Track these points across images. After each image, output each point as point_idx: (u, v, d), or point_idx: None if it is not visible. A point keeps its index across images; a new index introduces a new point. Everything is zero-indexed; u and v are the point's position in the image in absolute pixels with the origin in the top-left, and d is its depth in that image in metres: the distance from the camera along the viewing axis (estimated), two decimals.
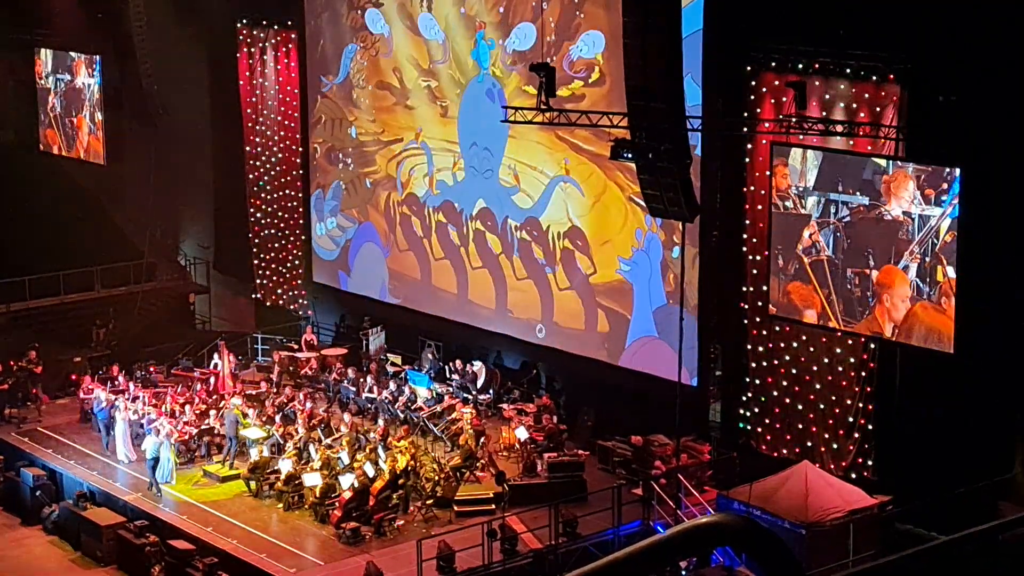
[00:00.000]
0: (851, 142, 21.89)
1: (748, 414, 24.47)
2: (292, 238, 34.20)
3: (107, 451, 26.88)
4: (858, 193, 21.29)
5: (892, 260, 21.04)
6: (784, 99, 22.38)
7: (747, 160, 23.96)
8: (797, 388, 23.66)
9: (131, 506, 24.76)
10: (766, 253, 23.06)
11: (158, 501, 24.75)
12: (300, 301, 34.12)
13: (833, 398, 23.12)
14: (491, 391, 28.32)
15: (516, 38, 28.13)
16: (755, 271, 23.94)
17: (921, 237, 20.56)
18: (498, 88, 28.54)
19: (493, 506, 23.43)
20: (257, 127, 34.13)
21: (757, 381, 24.27)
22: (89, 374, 30.07)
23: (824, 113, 22.22)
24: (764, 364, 24.10)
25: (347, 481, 23.62)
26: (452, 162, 30.01)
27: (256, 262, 34.60)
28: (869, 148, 21.78)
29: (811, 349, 23.39)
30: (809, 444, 23.52)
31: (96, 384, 28.71)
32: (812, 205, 21.91)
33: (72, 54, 36.14)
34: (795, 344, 23.59)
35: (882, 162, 21.09)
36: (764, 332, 23.99)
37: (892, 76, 21.67)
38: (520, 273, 28.89)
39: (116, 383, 28.87)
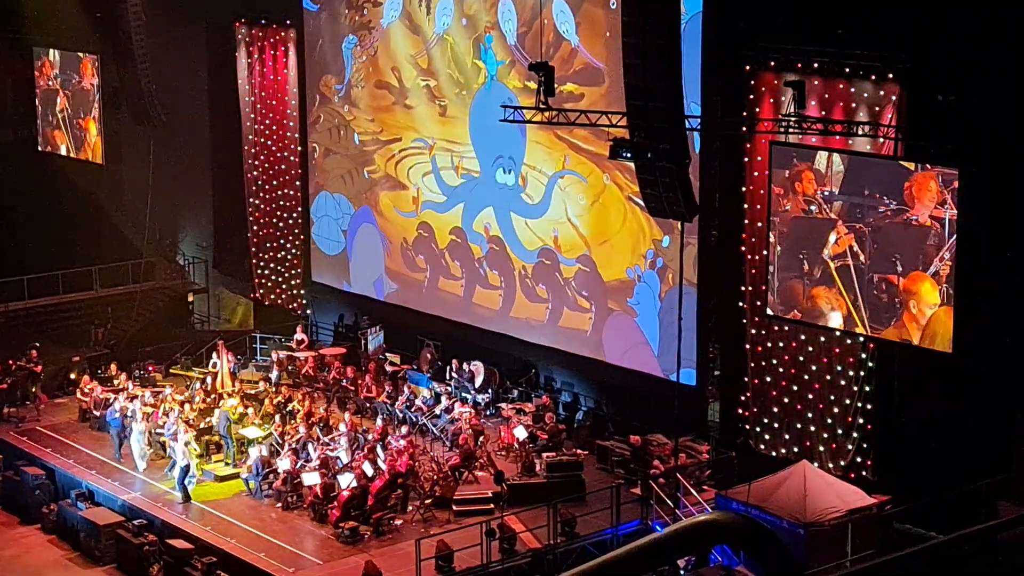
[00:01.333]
0: (851, 142, 21.83)
1: (747, 414, 24.45)
2: (291, 237, 34.20)
3: (119, 459, 26.56)
4: (885, 197, 20.77)
5: (920, 266, 20.48)
6: (784, 99, 22.36)
7: (746, 160, 23.95)
8: (796, 388, 23.64)
9: (129, 505, 24.75)
10: (765, 253, 23.02)
11: (188, 509, 24.51)
12: (299, 300, 34.10)
13: (832, 398, 23.10)
14: (490, 390, 28.30)
15: (518, 36, 28.15)
16: (754, 271, 23.92)
17: (951, 242, 20.08)
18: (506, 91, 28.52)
19: (492, 505, 23.41)
20: (256, 127, 34.10)
21: (756, 381, 24.25)
22: (88, 374, 30.05)
23: (823, 113, 22.20)
24: (763, 364, 24.09)
25: (346, 480, 23.62)
26: (451, 162, 29.99)
27: (255, 262, 34.58)
28: (869, 148, 21.76)
29: (810, 349, 23.36)
30: (808, 444, 23.50)
31: (101, 387, 28.65)
32: (838, 209, 21.42)
33: (80, 55, 36.07)
34: (794, 344, 23.57)
35: (909, 165, 20.56)
36: (763, 332, 23.98)
37: (892, 76, 21.66)
38: (518, 273, 28.86)
39: (115, 382, 28.85)
